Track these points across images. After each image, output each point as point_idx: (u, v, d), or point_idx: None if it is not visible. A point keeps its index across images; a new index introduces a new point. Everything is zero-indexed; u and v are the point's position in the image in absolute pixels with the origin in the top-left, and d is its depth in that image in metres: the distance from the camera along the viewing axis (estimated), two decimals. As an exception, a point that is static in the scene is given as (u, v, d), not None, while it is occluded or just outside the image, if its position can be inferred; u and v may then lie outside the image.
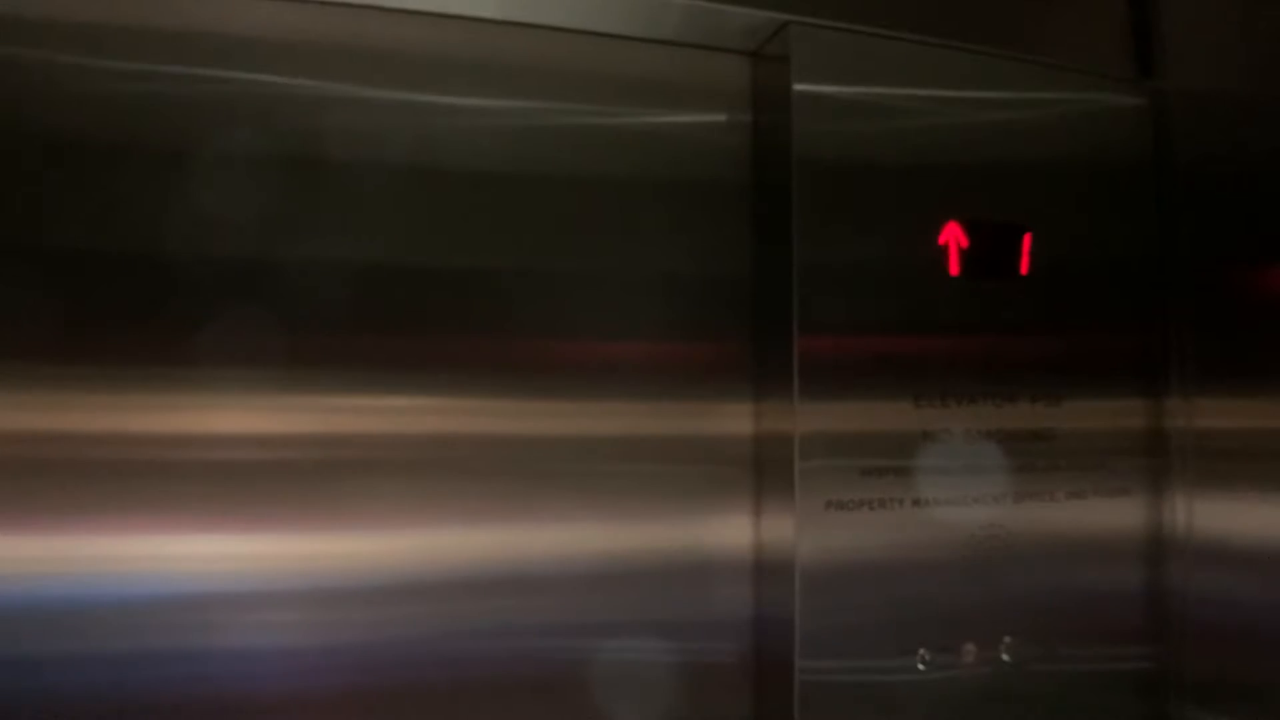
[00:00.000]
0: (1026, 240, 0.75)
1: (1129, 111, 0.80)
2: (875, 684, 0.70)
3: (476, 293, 0.66)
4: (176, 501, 0.59)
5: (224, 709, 0.60)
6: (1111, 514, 0.78)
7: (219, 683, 0.60)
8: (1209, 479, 0.77)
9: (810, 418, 0.68)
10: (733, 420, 0.71)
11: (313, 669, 0.62)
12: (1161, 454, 0.79)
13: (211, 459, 0.60)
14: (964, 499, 0.73)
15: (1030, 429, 0.75)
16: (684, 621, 0.70)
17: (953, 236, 0.73)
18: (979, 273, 0.73)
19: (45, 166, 0.58)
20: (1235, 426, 0.76)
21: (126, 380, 0.59)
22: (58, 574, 0.57)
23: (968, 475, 0.73)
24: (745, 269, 0.72)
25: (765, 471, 0.72)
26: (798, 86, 0.69)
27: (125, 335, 0.59)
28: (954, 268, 0.73)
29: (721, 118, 0.72)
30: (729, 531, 0.71)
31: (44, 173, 0.58)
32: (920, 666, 0.71)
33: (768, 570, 0.71)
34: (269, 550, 0.61)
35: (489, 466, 0.66)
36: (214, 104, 0.61)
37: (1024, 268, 0.75)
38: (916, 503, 0.71)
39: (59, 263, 0.58)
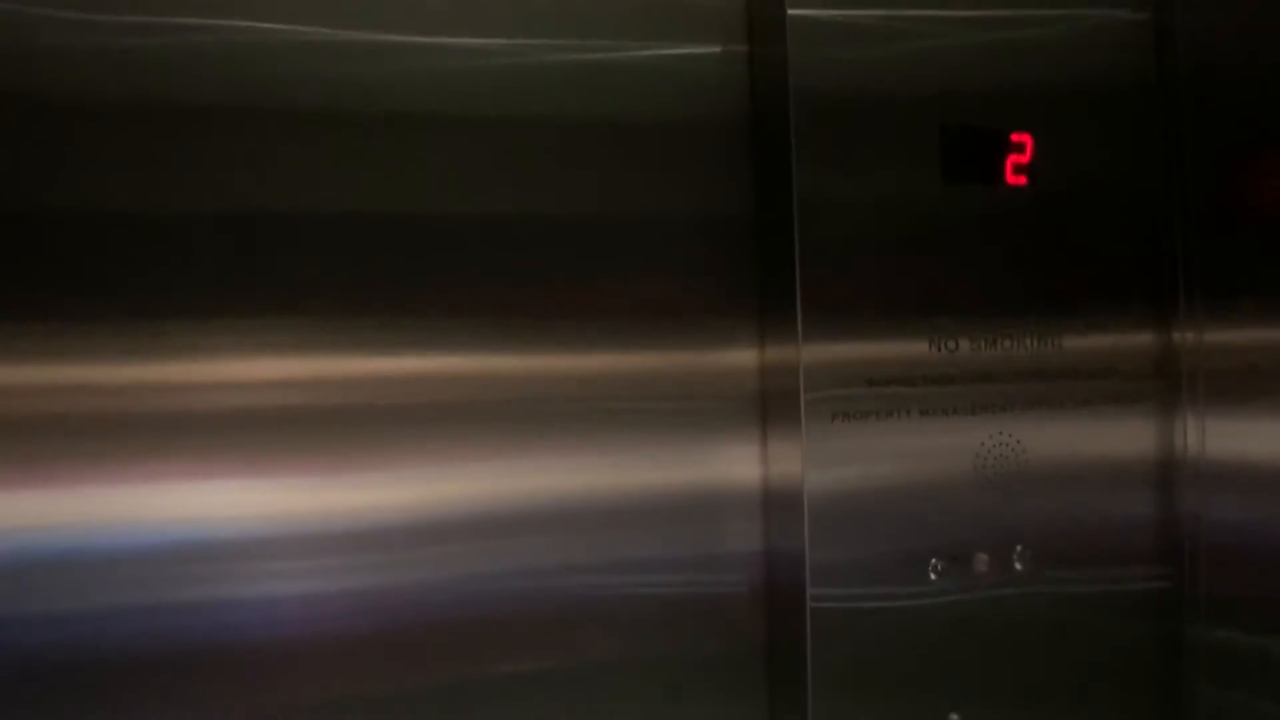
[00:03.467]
0: (1029, 155, 0.74)
1: (1133, 27, 0.78)
2: (887, 604, 0.71)
3: (478, 238, 0.66)
4: (189, 452, 0.60)
5: (238, 657, 0.61)
6: (1122, 434, 0.78)
7: (234, 631, 0.61)
8: (1220, 397, 0.77)
9: (815, 347, 0.68)
10: (738, 355, 0.72)
11: (326, 614, 0.63)
12: (1172, 373, 0.79)
13: (222, 407, 0.61)
14: (972, 409, 0.73)
15: (1037, 350, 0.75)
16: (696, 555, 0.71)
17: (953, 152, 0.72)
18: (982, 194, 0.73)
19: (41, 120, 0.57)
20: (1245, 344, 0.76)
21: (135, 332, 0.59)
22: (65, 528, 0.58)
23: (975, 387, 0.73)
24: (748, 204, 0.72)
25: (771, 400, 0.72)
26: (793, 11, 0.68)
27: (129, 288, 0.59)
28: (955, 187, 0.72)
29: (716, 49, 0.71)
30: (737, 463, 0.72)
31: (41, 127, 0.57)
32: (932, 576, 0.72)
33: (776, 495, 0.72)
34: (280, 498, 0.62)
35: (498, 410, 0.66)
36: (195, 53, 0.60)
37: (1027, 184, 0.74)
38: (924, 413, 0.71)
39: (56, 216, 0.58)
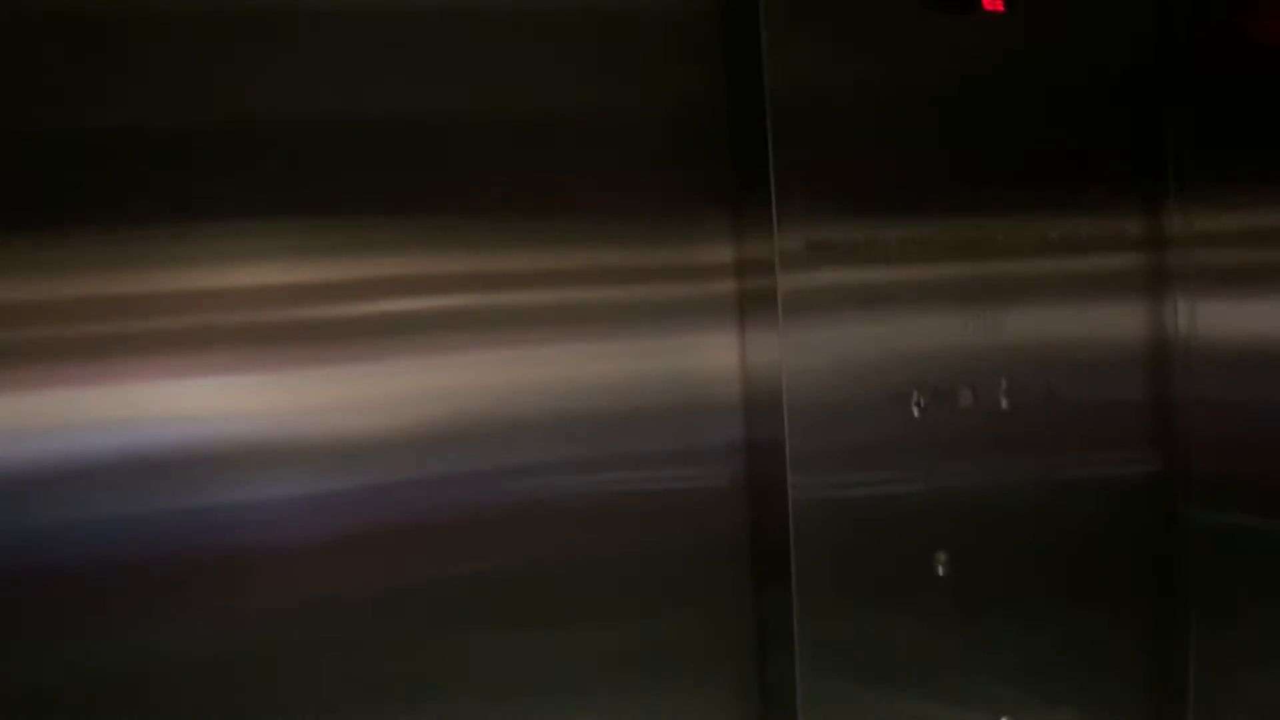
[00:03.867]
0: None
1: None
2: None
3: (451, 137, 0.65)
4: (174, 356, 0.60)
5: (224, 558, 0.62)
6: (1110, 315, 0.78)
7: (222, 532, 0.62)
8: (1209, 279, 0.77)
9: (790, 234, 0.67)
10: (714, 246, 0.71)
11: (309, 515, 0.64)
12: (1162, 252, 0.79)
13: (207, 314, 0.61)
14: (954, 290, 0.72)
15: (1021, 229, 0.74)
16: (679, 449, 0.72)
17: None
18: (960, 29, 0.71)
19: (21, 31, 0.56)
20: (1236, 224, 0.76)
21: (134, 240, 0.59)
22: (53, 433, 0.58)
23: (957, 267, 0.73)
24: (719, 94, 0.71)
25: (748, 289, 0.71)
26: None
27: (112, 199, 0.59)
28: (931, 21, 0.70)
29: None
30: (717, 354, 0.72)
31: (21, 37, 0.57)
32: (915, 412, 0.73)
33: (755, 385, 0.72)
34: (266, 398, 0.63)
35: (477, 310, 0.66)
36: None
37: (1004, 9, 0.72)
38: (905, 297, 0.71)
39: (38, 129, 0.57)
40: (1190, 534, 0.80)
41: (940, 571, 0.75)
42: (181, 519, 0.61)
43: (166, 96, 0.59)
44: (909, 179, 0.71)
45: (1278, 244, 0.73)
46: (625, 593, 0.72)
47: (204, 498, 0.61)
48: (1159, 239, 0.78)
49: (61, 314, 0.58)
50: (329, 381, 0.63)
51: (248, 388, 0.62)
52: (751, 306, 0.72)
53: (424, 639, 0.67)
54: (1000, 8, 0.71)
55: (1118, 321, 0.78)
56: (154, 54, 0.59)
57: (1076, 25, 0.75)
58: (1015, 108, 0.74)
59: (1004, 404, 0.75)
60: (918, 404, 0.73)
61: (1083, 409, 0.77)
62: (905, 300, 0.72)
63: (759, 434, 0.72)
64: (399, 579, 0.67)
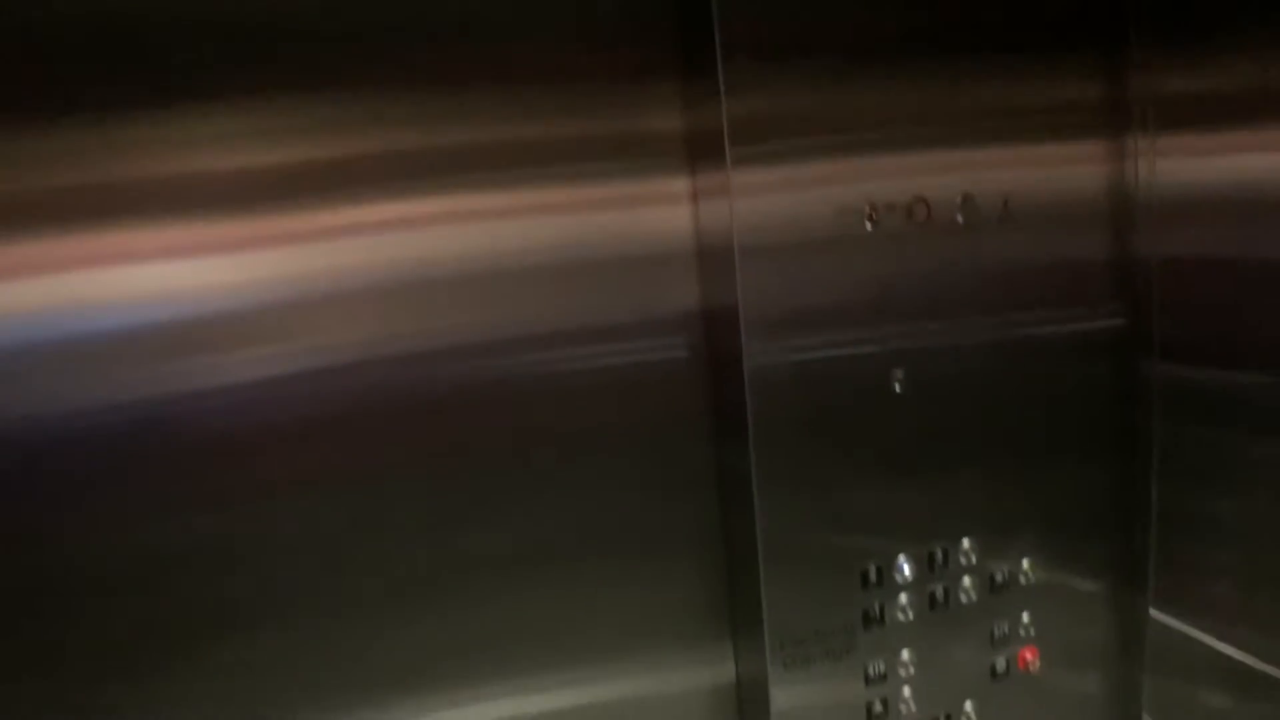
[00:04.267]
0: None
1: None
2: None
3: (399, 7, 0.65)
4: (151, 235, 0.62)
5: (201, 437, 0.64)
6: (1069, 168, 0.78)
7: (197, 411, 0.64)
8: (1170, 132, 0.76)
9: (738, 100, 0.67)
10: (663, 114, 0.71)
11: (279, 396, 0.66)
12: (1122, 103, 0.78)
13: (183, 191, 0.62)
14: (910, 144, 0.73)
15: (977, 84, 0.74)
16: (635, 321, 0.73)
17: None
18: None
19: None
20: (1196, 72, 0.74)
21: (92, 127, 0.60)
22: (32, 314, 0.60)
23: (915, 130, 0.73)
24: None
25: (698, 156, 0.72)
26: None
27: (87, 81, 0.60)
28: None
29: None
30: (670, 222, 0.73)
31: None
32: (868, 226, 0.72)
33: (709, 250, 0.73)
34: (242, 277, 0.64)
35: (429, 174, 0.67)
36: None
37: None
38: (860, 153, 0.72)
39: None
40: (1150, 388, 0.80)
41: (898, 389, 0.75)
42: (150, 403, 0.63)
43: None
44: (860, 35, 0.70)
45: (1240, 92, 0.71)
46: (585, 467, 0.74)
47: (178, 381, 0.63)
48: (1119, 85, 0.77)
49: (34, 200, 0.59)
50: (286, 261, 0.65)
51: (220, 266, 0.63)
52: (703, 169, 0.72)
53: (391, 522, 0.69)
54: None
55: (1076, 165, 0.78)
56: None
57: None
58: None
59: (960, 219, 0.75)
60: (870, 218, 0.72)
61: (1040, 229, 0.77)
62: (862, 153, 0.71)
63: (715, 299, 0.73)
64: (358, 461, 0.68)
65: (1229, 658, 0.77)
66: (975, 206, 0.75)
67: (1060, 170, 0.78)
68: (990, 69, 0.74)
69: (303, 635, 0.69)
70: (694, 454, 0.77)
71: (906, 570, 0.77)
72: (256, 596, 0.67)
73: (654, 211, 0.73)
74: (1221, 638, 0.79)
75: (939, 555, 0.78)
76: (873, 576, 0.76)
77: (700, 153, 0.72)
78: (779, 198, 0.70)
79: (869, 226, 0.72)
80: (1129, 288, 0.80)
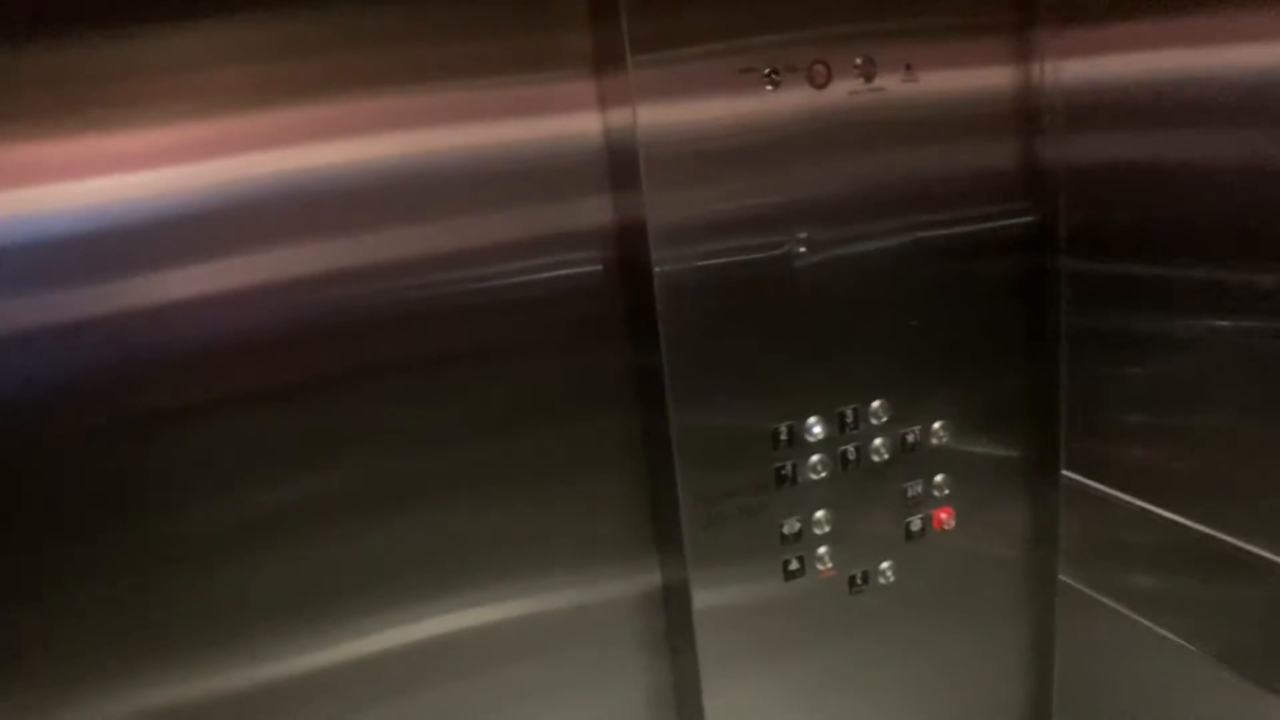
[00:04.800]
0: None
1: None
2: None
3: None
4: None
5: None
6: (975, 64, 0.79)
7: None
8: (1075, 24, 0.78)
9: (640, 20, 0.68)
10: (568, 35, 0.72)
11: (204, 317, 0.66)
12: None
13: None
14: (814, 43, 0.74)
15: None
16: (547, 235, 0.74)
17: None
18: None
19: None
20: None
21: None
22: None
23: (816, 31, 0.74)
24: None
25: (604, 66, 0.73)
26: None
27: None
28: None
29: None
30: (581, 133, 0.74)
31: None
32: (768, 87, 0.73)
33: (617, 156, 0.73)
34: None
35: (336, 88, 0.67)
36: None
37: None
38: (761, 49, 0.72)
39: None
40: (1059, 280, 0.83)
41: (801, 263, 0.76)
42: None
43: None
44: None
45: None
46: (504, 383, 0.75)
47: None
48: None
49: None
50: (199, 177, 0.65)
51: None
52: (607, 78, 0.72)
53: (310, 444, 0.71)
54: None
55: (980, 44, 0.79)
56: None
57: None
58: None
59: (861, 83, 0.75)
60: (770, 79, 0.72)
61: (943, 95, 0.78)
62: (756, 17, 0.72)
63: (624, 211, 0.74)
64: (272, 382, 0.69)
65: (1140, 509, 0.80)
66: (875, 69, 0.76)
67: (964, 48, 0.79)
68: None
69: (233, 561, 0.70)
70: (612, 364, 0.77)
71: (817, 430, 0.79)
72: (188, 517, 0.69)
73: (562, 121, 0.73)
74: (1131, 491, 0.82)
75: (849, 416, 0.80)
76: (784, 436, 0.78)
77: (602, 42, 0.72)
78: (680, 78, 0.70)
79: (769, 89, 0.73)
80: (1035, 163, 0.81)
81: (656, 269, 0.72)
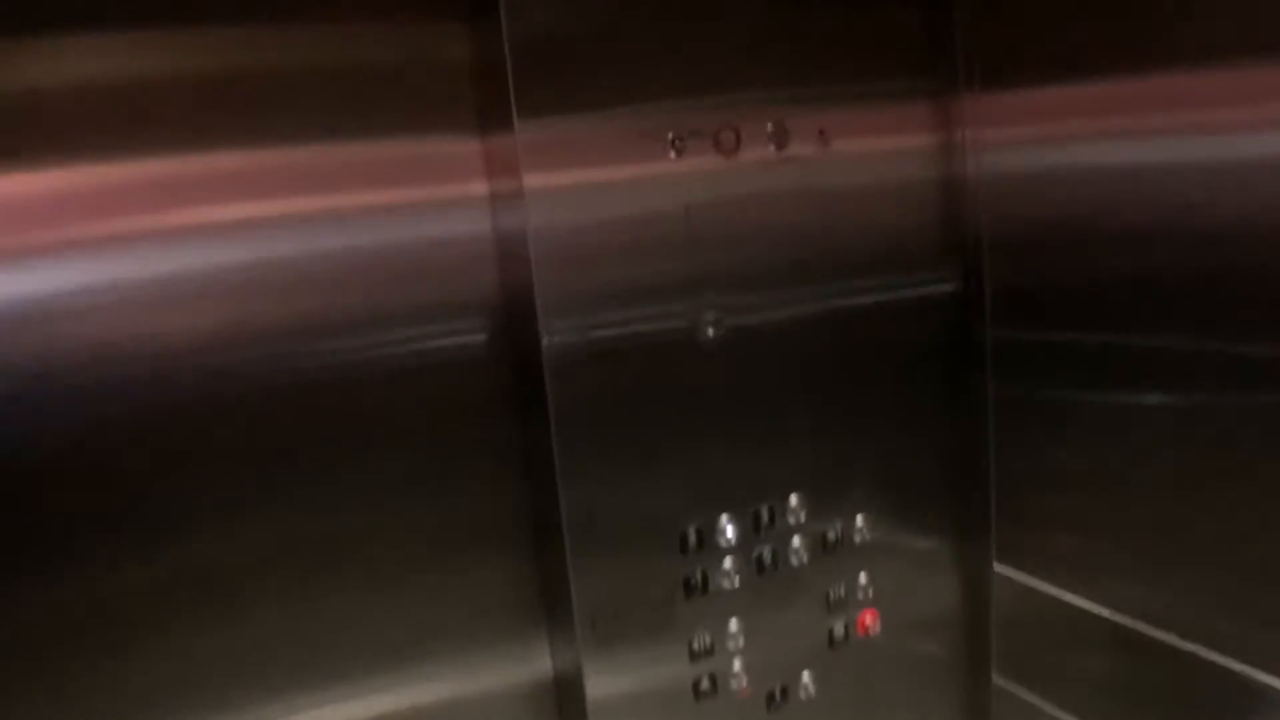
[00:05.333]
0: None
1: None
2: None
3: None
4: None
5: None
6: (894, 136, 0.74)
7: None
8: (996, 89, 0.73)
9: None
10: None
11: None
12: (947, 59, 0.74)
13: None
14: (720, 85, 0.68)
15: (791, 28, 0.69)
16: (432, 303, 0.66)
17: None
18: None
19: None
20: (1019, 41, 0.71)
21: None
22: None
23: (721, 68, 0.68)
24: None
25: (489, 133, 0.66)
26: None
27: None
28: None
29: None
30: (462, 194, 0.67)
31: None
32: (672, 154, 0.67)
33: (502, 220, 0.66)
34: None
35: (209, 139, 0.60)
36: None
37: None
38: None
39: None
40: (983, 350, 0.77)
41: (709, 345, 0.69)
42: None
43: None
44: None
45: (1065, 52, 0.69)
46: (392, 458, 0.67)
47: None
48: (944, 40, 0.73)
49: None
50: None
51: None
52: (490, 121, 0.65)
53: (187, 521, 0.63)
54: None
55: (900, 110, 0.74)
56: None
57: None
58: None
59: (772, 150, 0.69)
60: (674, 145, 0.66)
61: (860, 162, 0.72)
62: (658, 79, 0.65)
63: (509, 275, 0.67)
64: (150, 461, 0.61)
65: (1078, 608, 0.74)
66: (788, 136, 0.69)
67: (880, 113, 0.74)
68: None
69: (97, 639, 0.61)
70: (499, 441, 0.70)
71: (730, 532, 0.71)
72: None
73: (444, 186, 0.66)
74: (1067, 587, 0.75)
75: (764, 515, 0.72)
76: (692, 541, 0.70)
77: (488, 103, 0.65)
78: (573, 142, 0.63)
79: (673, 155, 0.66)
80: (957, 240, 0.76)
81: (545, 340, 0.64)
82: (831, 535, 0.75)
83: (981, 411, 0.78)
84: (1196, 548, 0.65)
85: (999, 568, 0.81)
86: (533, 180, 0.62)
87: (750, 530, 0.72)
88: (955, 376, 0.78)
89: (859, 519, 0.76)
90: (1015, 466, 0.78)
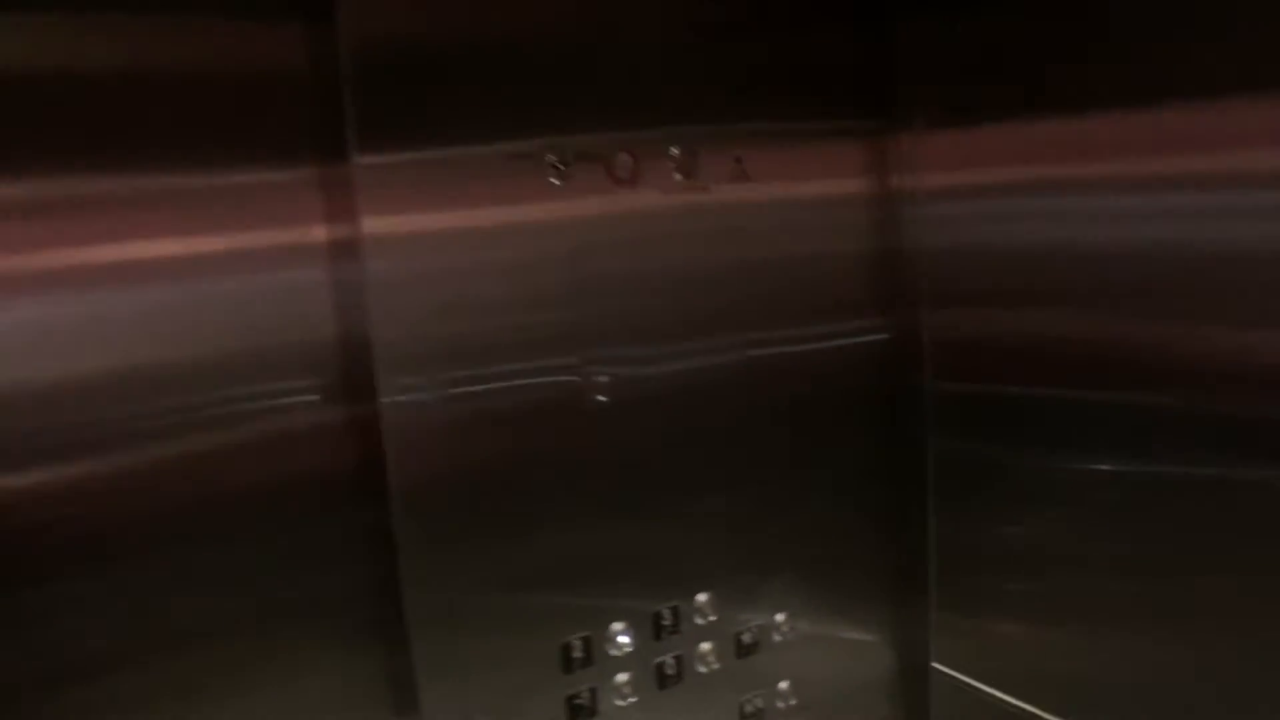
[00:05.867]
0: None
1: None
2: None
3: None
4: None
5: None
6: (823, 173, 0.65)
7: None
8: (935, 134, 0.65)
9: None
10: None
11: None
12: (885, 100, 0.66)
13: None
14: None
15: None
16: (245, 357, 0.53)
17: None
18: None
19: None
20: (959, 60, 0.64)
21: None
22: None
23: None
24: None
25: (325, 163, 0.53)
26: None
27: None
28: None
29: None
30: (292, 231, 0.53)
31: None
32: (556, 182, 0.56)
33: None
34: None
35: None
36: None
37: None
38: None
39: None
40: (922, 401, 0.68)
41: (598, 382, 0.58)
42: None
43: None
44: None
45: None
46: (210, 542, 0.53)
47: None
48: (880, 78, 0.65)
49: None
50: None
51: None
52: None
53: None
54: None
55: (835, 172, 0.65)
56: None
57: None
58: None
59: (680, 181, 0.58)
60: (556, 172, 0.54)
61: (783, 201, 0.62)
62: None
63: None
64: None
65: (1026, 713, 0.65)
66: (697, 165, 0.58)
67: (812, 149, 0.64)
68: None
69: None
70: (340, 521, 0.56)
71: (624, 640, 0.59)
72: None
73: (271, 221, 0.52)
74: (1011, 690, 0.66)
75: (667, 616, 0.61)
76: (577, 651, 0.58)
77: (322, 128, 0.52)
78: (427, 168, 0.51)
79: (556, 183, 0.54)
80: (893, 286, 0.67)
81: (384, 400, 0.52)
82: (747, 637, 0.64)
83: (919, 485, 0.68)
84: (1147, 643, 0.57)
85: (938, 667, 0.71)
86: (373, 221, 0.50)
87: (649, 636, 0.60)
88: (890, 442, 0.68)
89: (780, 617, 0.65)
90: (956, 546, 0.68)
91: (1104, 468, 0.59)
